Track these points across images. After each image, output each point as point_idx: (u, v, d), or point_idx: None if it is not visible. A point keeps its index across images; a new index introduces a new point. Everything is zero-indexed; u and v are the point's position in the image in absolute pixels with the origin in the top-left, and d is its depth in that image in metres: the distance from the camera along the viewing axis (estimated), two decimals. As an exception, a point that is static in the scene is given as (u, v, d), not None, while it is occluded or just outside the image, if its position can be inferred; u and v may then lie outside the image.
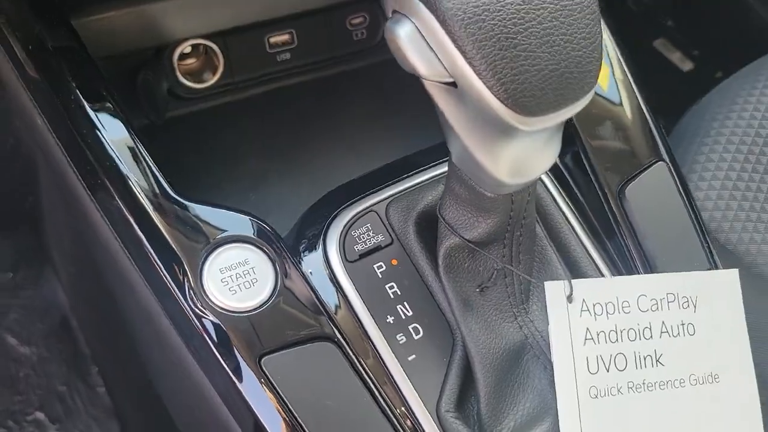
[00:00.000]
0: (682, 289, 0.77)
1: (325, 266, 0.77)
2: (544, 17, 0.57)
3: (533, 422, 0.74)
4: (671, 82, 2.13)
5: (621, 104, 0.90)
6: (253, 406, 0.70)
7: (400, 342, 0.75)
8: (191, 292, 0.71)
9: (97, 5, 0.89)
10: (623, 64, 0.93)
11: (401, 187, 0.82)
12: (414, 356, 0.75)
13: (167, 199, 0.74)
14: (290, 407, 0.69)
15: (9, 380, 1.52)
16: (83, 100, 0.76)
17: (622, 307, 0.74)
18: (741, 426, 0.78)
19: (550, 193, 0.85)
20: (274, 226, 0.80)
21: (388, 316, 0.76)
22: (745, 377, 0.79)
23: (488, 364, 0.74)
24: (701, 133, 1.16)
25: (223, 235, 0.73)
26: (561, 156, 0.88)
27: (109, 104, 0.77)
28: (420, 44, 0.58)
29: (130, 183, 0.75)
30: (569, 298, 0.73)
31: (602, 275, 0.83)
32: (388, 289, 0.77)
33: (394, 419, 0.73)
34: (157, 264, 0.72)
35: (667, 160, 0.88)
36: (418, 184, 0.82)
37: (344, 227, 0.79)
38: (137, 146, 0.76)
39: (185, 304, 0.71)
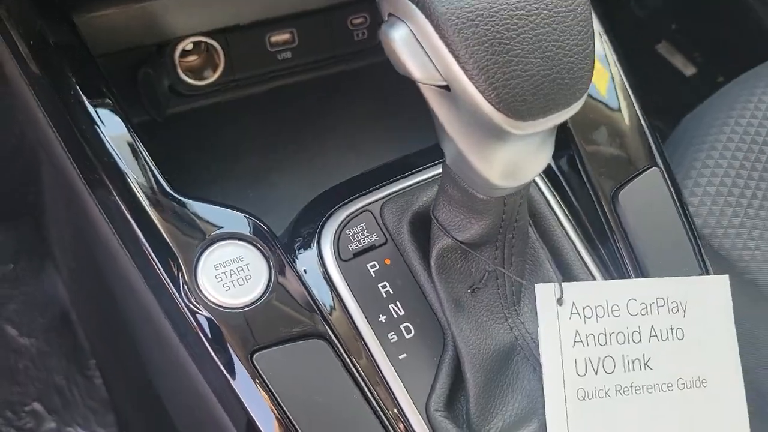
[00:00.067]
0: (672, 293, 0.78)
1: (319, 264, 0.78)
2: (536, 23, 0.58)
3: (521, 422, 0.75)
4: (673, 86, 2.14)
5: (617, 109, 0.91)
6: (245, 403, 0.71)
7: (392, 341, 0.76)
8: (186, 287, 0.72)
9: (98, 2, 0.89)
10: (620, 69, 0.94)
11: (396, 188, 0.83)
12: (405, 355, 0.76)
13: (164, 196, 0.75)
14: (281, 403, 0.70)
15: (8, 371, 1.53)
16: (83, 96, 0.77)
17: (612, 311, 0.75)
18: (728, 431, 0.78)
19: (544, 196, 0.86)
20: (272, 223, 0.81)
21: (381, 315, 0.77)
22: (733, 383, 0.79)
23: (478, 365, 0.75)
24: (698, 138, 1.17)
25: (219, 231, 0.74)
26: (556, 159, 0.89)
27: (108, 101, 0.78)
28: (415, 48, 0.59)
29: (128, 179, 0.75)
30: (559, 301, 0.74)
31: (594, 279, 0.83)
32: (380, 288, 0.78)
33: (383, 417, 0.73)
34: (153, 259, 0.73)
35: (661, 166, 0.89)
36: (413, 184, 0.83)
37: (339, 226, 0.80)
38: (136, 143, 0.77)
39: (179, 300, 0.72)
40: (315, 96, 1.15)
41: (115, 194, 0.76)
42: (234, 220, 0.76)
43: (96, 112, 0.78)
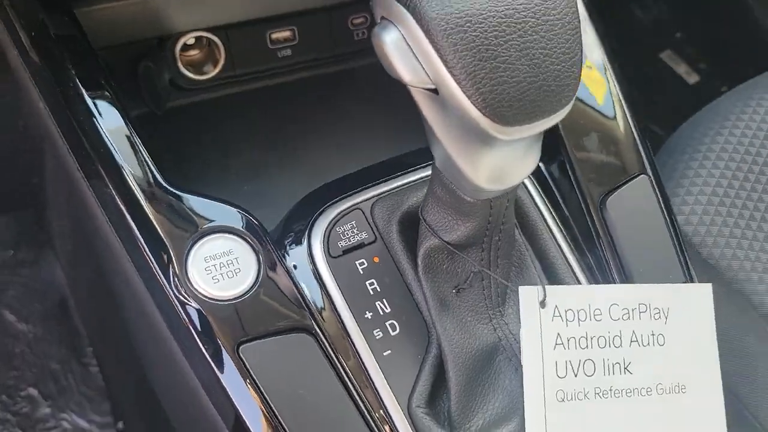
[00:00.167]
0: (655, 300, 0.79)
1: (309, 260, 0.79)
2: (524, 31, 0.59)
3: (501, 421, 0.76)
4: (676, 94, 2.14)
5: (608, 117, 0.92)
6: (232, 396, 0.72)
7: (377, 337, 0.78)
8: (176, 279, 0.73)
9: (99, -5, 0.91)
10: (614, 78, 0.95)
11: (387, 187, 0.84)
12: (389, 352, 0.77)
13: (158, 188, 0.77)
14: (265, 395, 0.71)
15: (5, 356, 1.55)
16: (82, 88, 0.79)
17: (594, 315, 0.76)
18: (705, 437, 0.79)
19: (533, 200, 0.87)
20: (267, 218, 0.82)
21: (367, 312, 0.78)
22: (712, 390, 0.80)
23: (461, 363, 0.76)
24: (692, 147, 1.18)
25: (210, 225, 0.75)
26: (547, 164, 0.90)
27: (107, 93, 0.79)
28: (405, 51, 0.60)
29: (123, 171, 0.77)
30: (542, 304, 0.75)
31: (579, 283, 0.85)
32: (368, 285, 0.79)
33: (365, 412, 0.75)
34: (145, 251, 0.75)
35: (650, 174, 0.90)
36: (404, 185, 0.84)
37: (329, 223, 0.81)
38: (132, 136, 0.78)
39: (169, 291, 0.73)
40: (314, 94, 1.17)
41: (110, 186, 0.77)
42: (226, 214, 0.77)
43: (94, 104, 0.79)
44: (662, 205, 0.89)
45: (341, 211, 0.82)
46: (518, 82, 0.59)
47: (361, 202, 0.83)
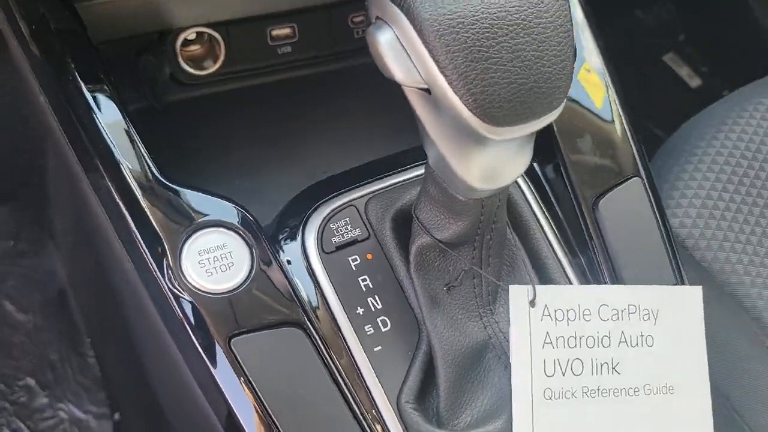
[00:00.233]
0: (644, 301, 0.79)
1: (302, 256, 0.80)
2: (516, 33, 0.59)
3: (489, 418, 0.77)
4: (678, 96, 2.15)
5: (603, 119, 0.93)
6: (221, 384, 0.73)
7: (368, 333, 0.78)
8: (170, 272, 0.74)
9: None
10: (609, 79, 0.95)
11: (382, 185, 0.85)
12: (380, 347, 0.78)
13: (154, 182, 0.77)
14: (255, 387, 0.72)
15: (4, 345, 1.55)
16: (81, 82, 0.79)
17: (583, 315, 0.77)
18: (692, 438, 0.80)
19: (527, 200, 0.88)
20: (264, 214, 0.83)
21: (359, 308, 0.79)
22: (700, 392, 0.81)
23: (450, 360, 0.77)
24: (688, 151, 1.18)
25: (204, 219, 0.76)
26: (542, 165, 0.91)
27: (105, 87, 0.80)
28: (399, 51, 0.61)
29: (120, 164, 0.78)
30: (532, 303, 0.76)
31: (570, 283, 0.85)
32: (360, 281, 0.80)
33: (355, 407, 0.76)
34: (141, 244, 0.76)
35: (643, 176, 0.90)
36: (398, 183, 0.85)
37: (324, 219, 0.82)
38: (130, 130, 0.79)
39: (163, 283, 0.74)
40: (313, 91, 1.17)
41: (107, 179, 0.78)
42: (221, 208, 0.78)
43: (93, 98, 0.80)
44: (654, 208, 0.90)
45: (335, 208, 0.83)
46: (509, 84, 0.59)
47: (355, 199, 0.83)
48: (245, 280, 0.75)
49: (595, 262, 0.87)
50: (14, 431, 1.49)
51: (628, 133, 0.93)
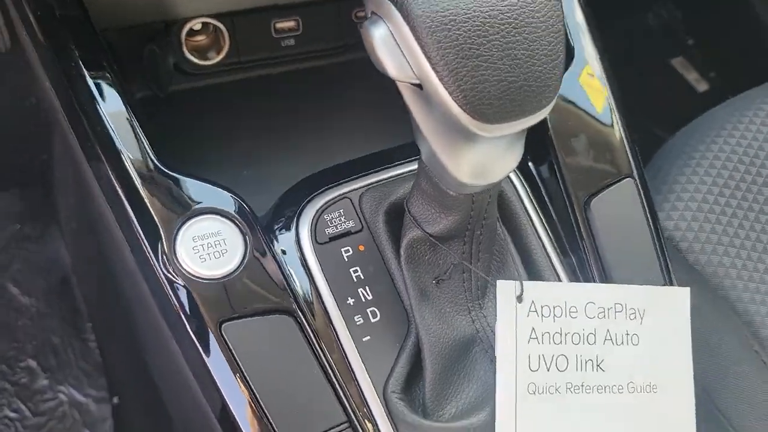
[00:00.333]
0: (631, 300, 0.80)
1: (296, 245, 0.81)
2: (507, 31, 0.61)
3: (473, 410, 0.78)
4: (684, 100, 2.15)
5: (597, 120, 0.94)
6: (211, 369, 0.75)
7: (358, 323, 0.80)
8: (164, 257, 0.75)
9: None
10: (608, 84, 0.96)
11: (377, 178, 0.86)
12: (369, 338, 0.80)
13: (152, 169, 0.79)
14: (243, 370, 0.73)
15: (7, 328, 1.57)
16: (84, 69, 0.81)
17: (570, 312, 0.78)
18: (674, 436, 0.81)
19: (520, 197, 0.89)
20: (263, 203, 0.84)
21: (349, 298, 0.80)
22: (683, 392, 0.82)
23: (437, 352, 0.78)
24: (686, 154, 1.19)
25: (199, 206, 0.78)
26: (536, 164, 0.92)
27: (108, 75, 0.81)
28: (392, 47, 0.62)
29: (119, 151, 0.79)
30: (519, 298, 0.77)
31: (559, 280, 0.86)
32: (352, 272, 0.81)
33: (342, 395, 0.77)
34: (137, 229, 0.77)
35: (636, 177, 0.91)
36: (393, 176, 0.86)
37: (318, 210, 0.83)
38: (131, 118, 0.80)
39: (158, 268, 0.75)
40: (316, 84, 1.18)
41: (107, 165, 0.79)
42: (217, 196, 0.79)
43: (96, 85, 0.81)
44: (646, 209, 0.91)
45: (330, 199, 0.84)
46: (499, 81, 0.60)
47: (350, 191, 0.85)
48: (238, 267, 0.76)
49: (586, 261, 0.88)
50: (15, 411, 1.51)
51: (623, 134, 0.94)
